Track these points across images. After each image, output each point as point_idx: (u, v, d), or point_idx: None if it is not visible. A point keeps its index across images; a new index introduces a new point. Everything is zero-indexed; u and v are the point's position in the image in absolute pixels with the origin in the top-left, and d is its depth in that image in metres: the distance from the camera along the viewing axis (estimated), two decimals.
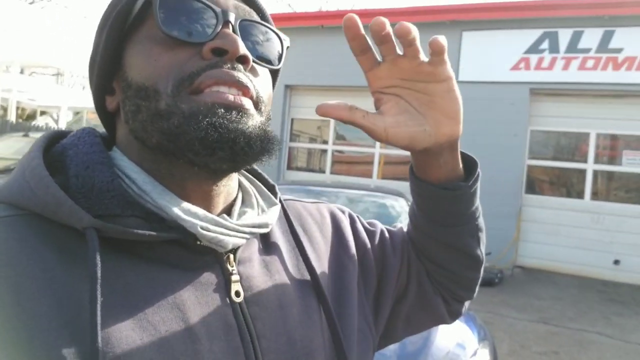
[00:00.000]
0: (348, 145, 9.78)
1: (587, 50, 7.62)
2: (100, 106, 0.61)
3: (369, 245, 0.77)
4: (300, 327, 0.60)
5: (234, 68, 0.53)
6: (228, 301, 0.55)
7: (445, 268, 0.76)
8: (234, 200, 0.62)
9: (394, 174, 9.10)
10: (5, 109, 13.01)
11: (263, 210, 0.64)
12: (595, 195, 7.87)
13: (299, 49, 9.56)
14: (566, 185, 8.24)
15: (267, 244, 0.65)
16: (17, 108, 14.69)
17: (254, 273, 0.60)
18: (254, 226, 0.59)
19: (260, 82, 0.57)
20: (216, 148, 0.50)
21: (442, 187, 0.68)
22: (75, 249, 0.48)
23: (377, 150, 9.22)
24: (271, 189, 0.70)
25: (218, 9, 0.54)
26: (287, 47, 0.62)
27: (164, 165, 0.54)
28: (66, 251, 0.48)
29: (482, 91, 8.15)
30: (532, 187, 8.30)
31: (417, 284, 0.78)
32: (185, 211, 0.52)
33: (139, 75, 0.53)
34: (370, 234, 0.80)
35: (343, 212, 0.81)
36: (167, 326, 0.49)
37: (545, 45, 7.85)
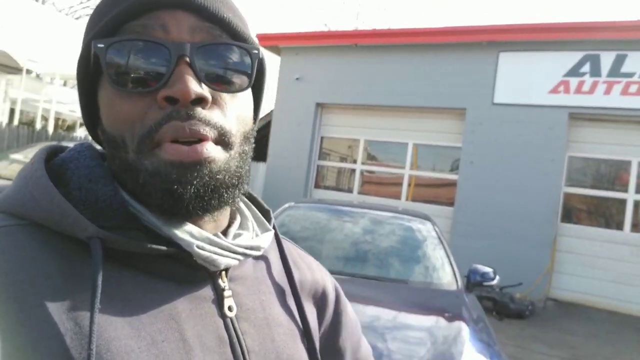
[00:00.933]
0: (378, 165, 9.61)
1: (631, 75, 7.30)
2: (94, 135, 0.62)
3: (332, 311, 0.78)
4: (287, 348, 0.62)
5: (188, 116, 0.51)
6: (220, 315, 0.57)
7: None
8: (231, 222, 0.63)
9: (424, 196, 8.87)
10: (46, 119, 13.40)
11: (257, 235, 0.66)
12: (635, 227, 7.47)
13: (332, 67, 9.54)
14: (605, 215, 7.84)
15: (259, 266, 0.67)
16: (58, 119, 15.11)
17: (245, 291, 0.62)
18: (247, 248, 0.60)
19: (227, 112, 0.55)
20: (175, 210, 0.52)
21: None
22: (76, 259, 0.49)
23: (407, 171, 9.02)
24: (266, 214, 0.71)
25: (170, 43, 0.52)
26: (260, 58, 0.59)
27: (139, 194, 0.54)
28: (67, 261, 0.49)
29: (518, 114, 7.91)
30: (569, 215, 7.94)
31: None
32: (181, 230, 0.53)
33: (108, 124, 0.54)
34: (340, 305, 0.80)
35: (335, 287, 0.81)
36: (163, 336, 0.50)
37: (586, 68, 7.56)
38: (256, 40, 0.61)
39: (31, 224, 0.50)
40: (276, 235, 0.71)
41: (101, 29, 0.53)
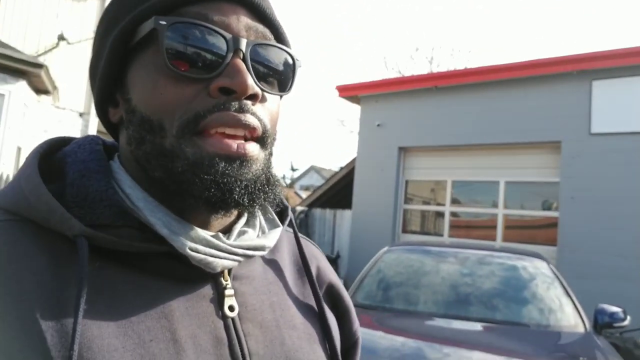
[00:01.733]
0: (467, 206, 9.25)
1: None
2: (102, 114, 0.60)
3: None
4: (300, 353, 0.59)
5: (241, 109, 0.51)
6: (220, 315, 0.55)
7: None
8: (237, 218, 0.61)
9: (520, 237, 8.36)
10: None
11: (263, 232, 0.62)
12: None
13: (412, 111, 9.51)
14: None
15: (272, 267, 0.65)
16: None
17: (251, 291, 0.59)
18: (249, 248, 0.57)
19: (268, 111, 0.56)
20: (216, 202, 0.51)
21: None
22: (65, 256, 0.48)
23: (501, 211, 8.60)
24: (281, 210, 0.69)
25: (229, 36, 0.52)
26: (299, 67, 0.60)
27: (162, 191, 0.53)
28: (57, 257, 0.48)
29: (620, 143, 7.38)
30: None
31: None
32: (175, 230, 0.51)
33: (144, 105, 0.52)
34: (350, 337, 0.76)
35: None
36: (152, 335, 0.48)
37: None
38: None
39: (23, 220, 0.49)
40: (295, 234, 0.69)
41: (155, 5, 0.52)
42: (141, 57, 0.54)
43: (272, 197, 0.56)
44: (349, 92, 10.39)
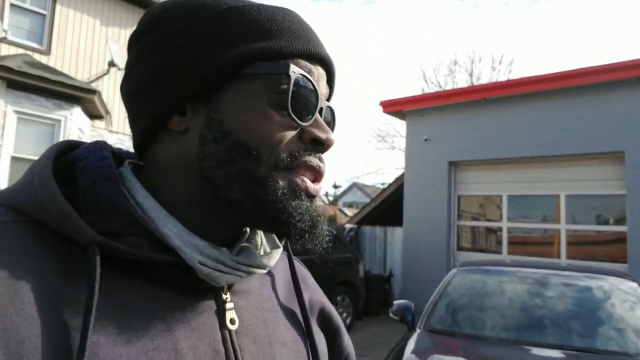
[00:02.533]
0: (526, 222, 8.88)
1: None
2: (159, 119, 0.58)
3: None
4: None
5: (321, 159, 0.58)
6: (219, 328, 0.56)
7: None
8: (241, 234, 0.63)
9: (584, 253, 7.93)
10: None
11: (265, 251, 0.64)
12: None
13: (461, 124, 9.29)
14: None
15: (266, 283, 0.67)
16: None
17: (247, 306, 0.61)
18: (252, 266, 0.59)
19: None
20: (301, 233, 0.56)
21: None
22: (75, 260, 0.49)
23: (563, 226, 8.20)
24: None
25: (320, 94, 0.58)
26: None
27: (195, 211, 0.57)
28: (66, 261, 0.49)
29: None
30: None
31: None
32: (186, 243, 0.53)
33: (244, 132, 0.55)
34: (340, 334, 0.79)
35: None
36: (155, 344, 0.50)
37: None
38: None
39: (33, 221, 0.50)
40: (288, 254, 0.72)
41: (268, 49, 0.56)
42: (248, 85, 0.56)
43: (324, 230, 0.60)
44: (394, 107, 10.25)
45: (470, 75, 23.12)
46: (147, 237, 0.53)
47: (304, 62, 0.58)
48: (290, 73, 0.55)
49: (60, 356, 0.44)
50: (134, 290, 0.52)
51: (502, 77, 21.93)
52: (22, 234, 0.49)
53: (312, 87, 0.57)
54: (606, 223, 7.96)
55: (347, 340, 0.80)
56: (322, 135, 0.57)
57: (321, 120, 0.59)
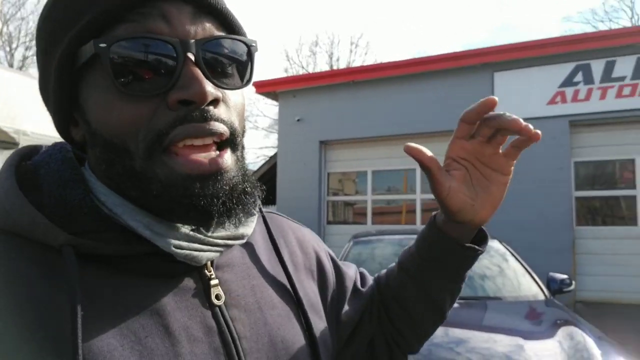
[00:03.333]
0: (387, 194, 9.77)
1: (622, 78, 7.74)
2: (64, 134, 0.59)
3: (334, 280, 0.80)
4: (281, 329, 0.61)
5: (204, 117, 0.50)
6: (207, 305, 0.56)
7: (414, 320, 0.81)
8: None
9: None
10: None
11: (240, 222, 0.61)
12: None
13: (332, 105, 9.77)
14: (618, 213, 8.15)
15: (248, 251, 0.66)
16: None
17: (233, 277, 0.61)
18: (229, 238, 0.58)
19: (231, 109, 0.55)
20: (198, 222, 0.54)
21: (467, 247, 0.74)
22: (53, 265, 0.49)
23: (419, 196, 9.21)
24: None
25: (175, 40, 0.50)
26: (256, 49, 0.58)
27: (148, 204, 0.53)
28: (45, 267, 0.48)
29: None
30: (584, 218, 8.22)
31: (365, 342, 0.82)
32: (157, 231, 0.52)
33: (104, 128, 0.51)
34: (340, 273, 0.82)
35: (321, 242, 0.85)
36: (147, 332, 0.50)
37: (579, 77, 7.98)
38: (245, 30, 0.60)
39: (7, 234, 0.50)
40: (263, 218, 0.70)
41: (90, 23, 0.50)
42: (90, 77, 0.52)
43: (253, 201, 0.58)
44: (267, 88, 10.43)
45: (330, 56, 24.02)
46: (120, 230, 0.52)
47: (132, 17, 0.50)
48: (98, 50, 0.48)
49: (56, 358, 0.44)
50: (117, 284, 0.51)
51: (359, 60, 23.12)
52: None
53: (144, 45, 0.49)
54: None
55: (351, 273, 0.84)
56: (181, 93, 0.49)
57: (190, 70, 0.50)
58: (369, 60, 23.41)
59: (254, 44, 0.57)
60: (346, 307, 0.79)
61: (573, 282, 3.88)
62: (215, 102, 0.51)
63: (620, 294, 7.71)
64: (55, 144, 0.59)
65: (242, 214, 0.55)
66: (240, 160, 0.56)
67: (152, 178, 0.50)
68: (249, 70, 0.57)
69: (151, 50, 0.49)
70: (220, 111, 0.52)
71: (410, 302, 0.79)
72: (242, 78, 0.56)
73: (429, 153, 0.67)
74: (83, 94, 0.53)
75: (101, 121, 0.51)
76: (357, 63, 23.41)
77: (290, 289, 0.67)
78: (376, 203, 9.78)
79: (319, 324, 0.69)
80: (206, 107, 0.50)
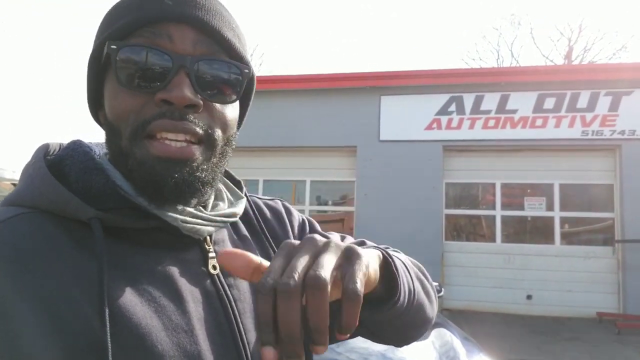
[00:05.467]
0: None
1: (489, 112, 8.74)
2: (95, 117, 0.71)
3: None
4: None
5: (180, 117, 0.60)
6: (206, 273, 0.66)
7: (393, 340, 0.80)
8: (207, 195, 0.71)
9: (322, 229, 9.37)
10: None
11: (231, 203, 0.76)
12: (505, 238, 8.81)
13: None
14: (480, 230, 9.12)
15: (236, 231, 0.77)
16: None
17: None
18: (225, 216, 0.70)
19: (215, 118, 0.64)
20: (151, 196, 0.62)
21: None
22: (81, 237, 0.58)
23: (307, 207, 9.53)
24: (237, 184, 0.83)
25: (173, 54, 0.60)
26: (249, 74, 0.67)
27: (129, 177, 0.63)
28: (75, 238, 0.57)
29: (401, 149, 8.92)
30: (451, 234, 9.08)
31: None
32: (166, 209, 0.63)
33: (109, 113, 0.63)
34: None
35: (293, 211, 0.91)
36: (160, 292, 0.59)
37: (453, 107, 8.87)
38: (249, 59, 0.70)
39: (41, 212, 0.58)
40: (248, 200, 0.81)
41: (115, 31, 0.62)
42: (108, 74, 0.64)
43: (205, 190, 0.64)
44: None
45: None
46: (135, 209, 0.62)
47: (144, 32, 0.61)
48: (109, 50, 0.60)
49: (90, 308, 0.52)
50: (135, 253, 0.61)
51: (255, 69, 23.00)
52: (38, 221, 0.58)
53: (146, 54, 0.60)
54: (341, 204, 9.60)
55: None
56: (165, 94, 0.59)
57: (179, 79, 0.60)
58: (264, 71, 23.56)
59: (247, 70, 0.66)
60: None
61: (443, 290, 4.35)
62: (194, 107, 0.61)
63: (481, 303, 8.58)
64: (74, 141, 0.69)
65: (191, 198, 0.64)
66: (211, 159, 0.64)
67: (130, 155, 0.61)
68: (238, 89, 0.66)
69: (151, 58, 0.60)
70: (199, 117, 0.62)
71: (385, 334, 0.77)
72: (233, 94, 0.66)
73: (246, 269, 0.50)
74: (105, 85, 0.65)
75: (109, 107, 0.63)
76: None
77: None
78: None
79: None
80: (185, 110, 0.60)
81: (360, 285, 0.46)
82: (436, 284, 3.61)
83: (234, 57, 0.66)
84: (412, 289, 0.72)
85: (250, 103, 0.76)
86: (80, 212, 0.58)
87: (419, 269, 0.83)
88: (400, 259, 0.75)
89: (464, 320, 7.90)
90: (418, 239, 8.51)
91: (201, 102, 0.61)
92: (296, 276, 0.44)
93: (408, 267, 0.75)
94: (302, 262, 0.46)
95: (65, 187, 0.60)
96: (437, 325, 3.33)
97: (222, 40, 0.65)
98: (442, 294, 4.31)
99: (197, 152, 0.62)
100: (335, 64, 41.57)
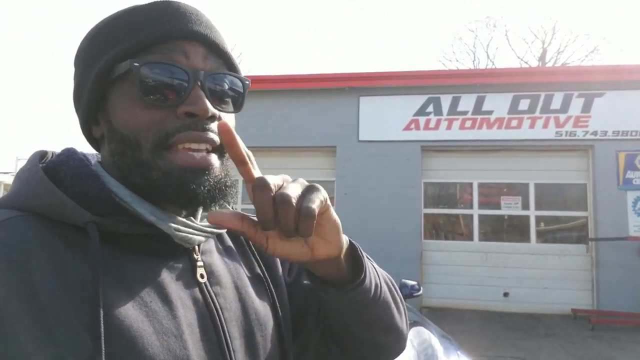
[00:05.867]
0: None
1: (465, 113, 8.87)
2: (86, 132, 0.72)
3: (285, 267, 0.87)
4: (254, 304, 0.74)
5: (204, 128, 0.64)
6: (194, 282, 0.68)
7: (361, 343, 0.80)
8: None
9: None
10: None
11: (220, 207, 0.75)
12: (483, 236, 8.96)
13: None
14: (458, 229, 9.26)
15: (222, 243, 0.80)
16: None
17: (214, 261, 0.74)
18: (213, 227, 0.71)
19: None
20: (184, 204, 0.65)
21: (325, 288, 0.70)
22: (76, 241, 0.59)
23: None
24: None
25: (190, 70, 0.64)
26: (248, 85, 0.73)
27: (142, 191, 0.65)
28: (70, 241, 0.59)
29: (380, 149, 8.99)
30: (430, 232, 9.20)
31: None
32: (160, 217, 0.64)
33: (123, 127, 0.64)
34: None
35: None
36: (151, 298, 0.61)
37: (430, 108, 8.97)
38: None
39: (37, 215, 0.59)
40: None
41: (129, 47, 0.64)
42: (119, 88, 0.65)
43: (229, 196, 0.68)
44: None
45: None
46: (129, 216, 0.63)
47: (160, 49, 0.64)
48: (132, 67, 0.62)
49: (84, 311, 0.53)
50: (128, 259, 0.62)
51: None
52: (34, 223, 0.58)
53: (166, 69, 0.63)
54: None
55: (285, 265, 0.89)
56: (189, 107, 0.63)
57: (197, 92, 0.63)
58: (242, 72, 23.33)
59: (247, 81, 0.72)
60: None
61: (421, 288, 4.41)
62: (212, 118, 0.65)
63: (458, 300, 8.70)
64: (68, 149, 0.71)
65: (222, 201, 0.67)
66: (224, 164, 0.68)
67: (153, 167, 0.63)
68: (240, 100, 0.72)
69: (170, 74, 0.64)
70: (214, 126, 0.66)
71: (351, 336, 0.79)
72: (234, 105, 0.71)
73: (237, 219, 0.57)
74: (111, 100, 0.66)
75: (122, 120, 0.64)
76: None
77: (259, 269, 0.80)
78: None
79: (284, 303, 0.80)
80: (206, 121, 0.65)
81: (315, 206, 0.55)
82: (415, 282, 3.74)
83: (232, 69, 0.72)
84: (378, 284, 0.75)
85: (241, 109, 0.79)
86: (76, 216, 0.59)
87: (390, 280, 0.84)
88: (372, 263, 0.78)
89: (442, 318, 7.98)
90: (397, 237, 8.59)
91: (217, 112, 0.66)
92: (291, 192, 0.55)
93: (377, 270, 0.79)
94: (287, 178, 0.59)
95: (62, 191, 0.61)
96: (416, 323, 3.39)
97: (224, 55, 0.70)
98: (420, 292, 4.38)
99: (214, 159, 0.66)
100: (313, 65, 41.63)
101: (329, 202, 0.61)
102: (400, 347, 0.84)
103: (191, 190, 0.63)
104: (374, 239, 8.42)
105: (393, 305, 0.80)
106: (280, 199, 0.54)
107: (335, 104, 9.29)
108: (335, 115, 9.23)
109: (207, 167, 0.64)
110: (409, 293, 4.28)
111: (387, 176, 8.89)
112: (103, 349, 0.52)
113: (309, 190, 0.58)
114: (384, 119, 9.08)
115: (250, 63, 39.69)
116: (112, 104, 0.66)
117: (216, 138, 0.65)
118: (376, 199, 8.84)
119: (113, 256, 0.61)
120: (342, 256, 0.67)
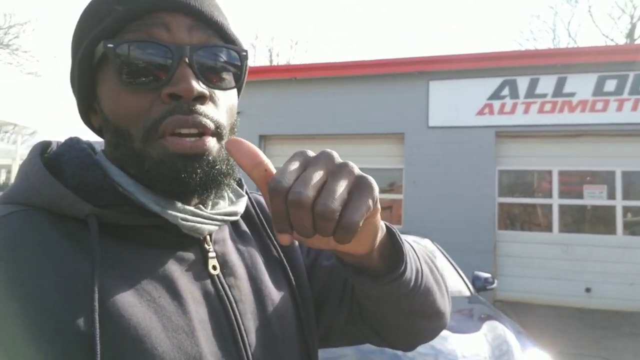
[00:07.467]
0: None
1: (544, 95, 8.35)
2: (87, 122, 0.70)
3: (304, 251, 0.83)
4: (271, 294, 0.71)
5: (190, 110, 0.58)
6: (206, 274, 0.65)
7: (400, 329, 0.76)
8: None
9: None
10: None
11: (232, 201, 0.73)
12: (563, 227, 8.44)
13: (273, 100, 9.81)
14: (535, 219, 8.78)
15: (237, 229, 0.76)
16: None
17: (228, 250, 0.69)
18: (225, 214, 0.68)
19: (219, 107, 0.63)
20: (177, 193, 0.61)
21: (360, 278, 0.64)
22: (77, 235, 0.57)
23: None
24: (238, 182, 0.78)
25: (172, 45, 0.58)
26: (246, 57, 0.66)
27: (140, 180, 0.62)
28: (70, 236, 0.56)
29: (452, 135, 8.68)
30: (505, 223, 8.79)
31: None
32: (164, 207, 0.60)
33: (113, 115, 0.61)
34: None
35: None
36: (159, 293, 0.58)
37: (506, 91, 8.52)
38: (241, 41, 0.68)
39: (37, 209, 0.57)
40: (249, 199, 0.78)
41: (105, 28, 0.59)
42: (103, 74, 0.61)
43: (227, 181, 0.64)
44: None
45: (270, 51, 23.91)
46: (132, 206, 0.60)
47: (136, 25, 0.59)
48: (106, 49, 0.58)
49: (80, 309, 0.51)
50: (133, 252, 0.59)
51: (299, 57, 23.19)
52: (33, 218, 0.56)
53: (144, 48, 0.58)
54: (388, 192, 9.45)
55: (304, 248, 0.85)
56: (172, 88, 0.57)
57: (182, 71, 0.58)
58: (309, 59, 23.58)
59: (244, 52, 0.65)
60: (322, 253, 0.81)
61: (495, 281, 4.18)
62: (202, 99, 0.59)
63: (535, 295, 8.29)
64: (71, 138, 0.67)
65: (216, 190, 0.63)
66: (223, 149, 0.63)
67: (145, 157, 0.59)
68: (239, 74, 0.65)
69: (151, 52, 0.58)
70: (207, 108, 0.60)
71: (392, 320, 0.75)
72: (232, 81, 0.64)
73: (253, 155, 0.52)
74: (99, 87, 0.62)
75: (111, 109, 0.61)
76: (296, 60, 23.54)
77: (276, 253, 0.76)
78: None
79: (304, 287, 0.77)
80: (192, 102, 0.59)
81: (359, 218, 0.47)
82: (488, 274, 3.55)
83: (228, 40, 0.65)
84: (420, 269, 0.69)
85: (244, 84, 0.71)
86: (76, 208, 0.56)
87: (429, 258, 0.79)
88: (409, 242, 0.71)
89: (517, 312, 7.66)
90: (469, 228, 8.30)
91: (207, 92, 0.60)
92: (308, 190, 0.46)
93: (416, 250, 0.73)
94: (316, 176, 0.48)
95: (62, 183, 0.58)
96: (489, 317, 3.21)
97: (216, 25, 0.63)
98: (494, 285, 4.15)
99: (210, 144, 0.60)
100: (381, 50, 41.09)
101: (378, 204, 0.53)
102: (441, 328, 0.80)
103: (182, 179, 0.58)
104: (444, 229, 8.23)
105: (435, 289, 0.74)
106: (296, 203, 0.47)
107: (403, 89, 9.04)
108: (404, 101, 9.00)
109: (200, 153, 0.59)
110: (482, 285, 4.09)
111: (459, 163, 8.57)
112: (98, 348, 0.49)
113: (357, 188, 0.50)
114: (455, 104, 8.73)
115: (316, 51, 39.71)
116: (100, 91, 0.62)
117: (206, 121, 0.59)
118: (447, 188, 8.56)
119: (117, 249, 0.58)
120: (374, 250, 0.60)
